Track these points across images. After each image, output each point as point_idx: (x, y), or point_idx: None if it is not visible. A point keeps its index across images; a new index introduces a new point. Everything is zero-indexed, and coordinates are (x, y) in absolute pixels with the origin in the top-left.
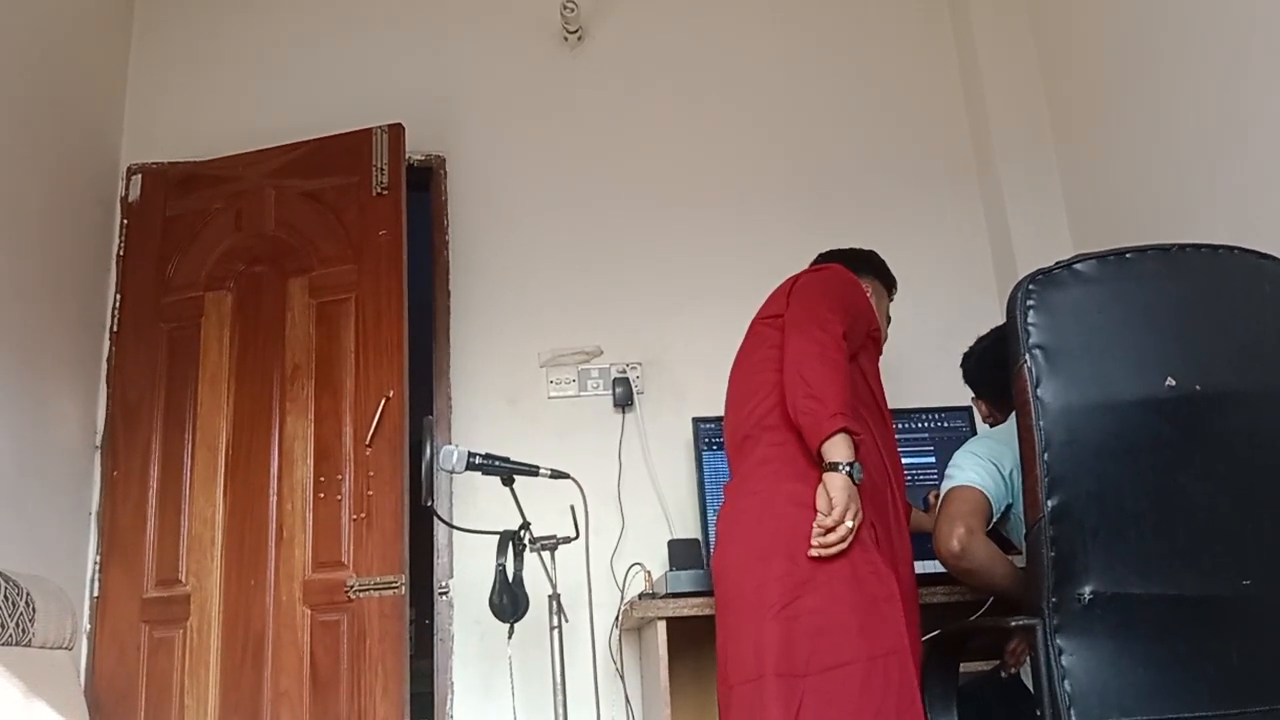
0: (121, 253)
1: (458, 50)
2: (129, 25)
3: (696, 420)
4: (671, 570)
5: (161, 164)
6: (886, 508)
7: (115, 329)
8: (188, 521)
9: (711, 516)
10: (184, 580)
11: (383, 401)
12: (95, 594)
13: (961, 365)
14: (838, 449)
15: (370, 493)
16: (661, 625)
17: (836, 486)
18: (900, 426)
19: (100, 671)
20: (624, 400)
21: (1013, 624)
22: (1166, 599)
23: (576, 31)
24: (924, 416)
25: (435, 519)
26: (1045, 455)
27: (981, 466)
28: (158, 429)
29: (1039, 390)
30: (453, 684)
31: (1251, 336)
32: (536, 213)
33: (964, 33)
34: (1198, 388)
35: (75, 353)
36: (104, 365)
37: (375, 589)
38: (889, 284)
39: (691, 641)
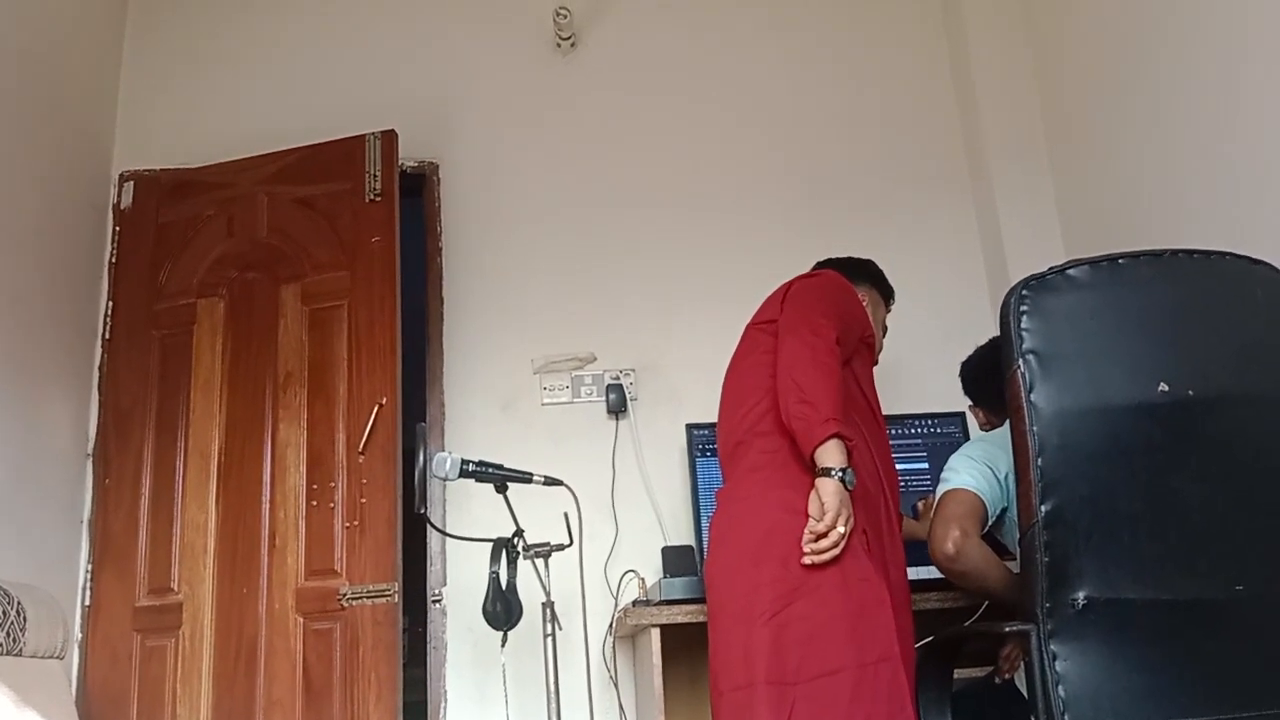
0: (114, 259)
1: (451, 57)
2: (122, 31)
3: (690, 427)
4: (665, 577)
5: (154, 170)
6: (879, 514)
7: (107, 336)
8: (180, 529)
9: (705, 523)
10: (176, 588)
11: (375, 408)
12: (87, 602)
13: (960, 374)
14: (830, 454)
15: (363, 500)
16: (655, 632)
17: (829, 492)
18: (893, 432)
19: (92, 680)
20: (617, 407)
21: (1007, 629)
22: (1160, 603)
23: (570, 38)
24: (917, 422)
25: (428, 526)
26: (1039, 460)
27: (977, 470)
28: (150, 436)
29: (1032, 395)
30: (446, 692)
31: (1244, 341)
32: (530, 219)
33: (958, 38)
34: (1190, 392)
35: (67, 359)
36: (96, 372)
37: (368, 597)
38: (886, 294)
39: (686, 649)
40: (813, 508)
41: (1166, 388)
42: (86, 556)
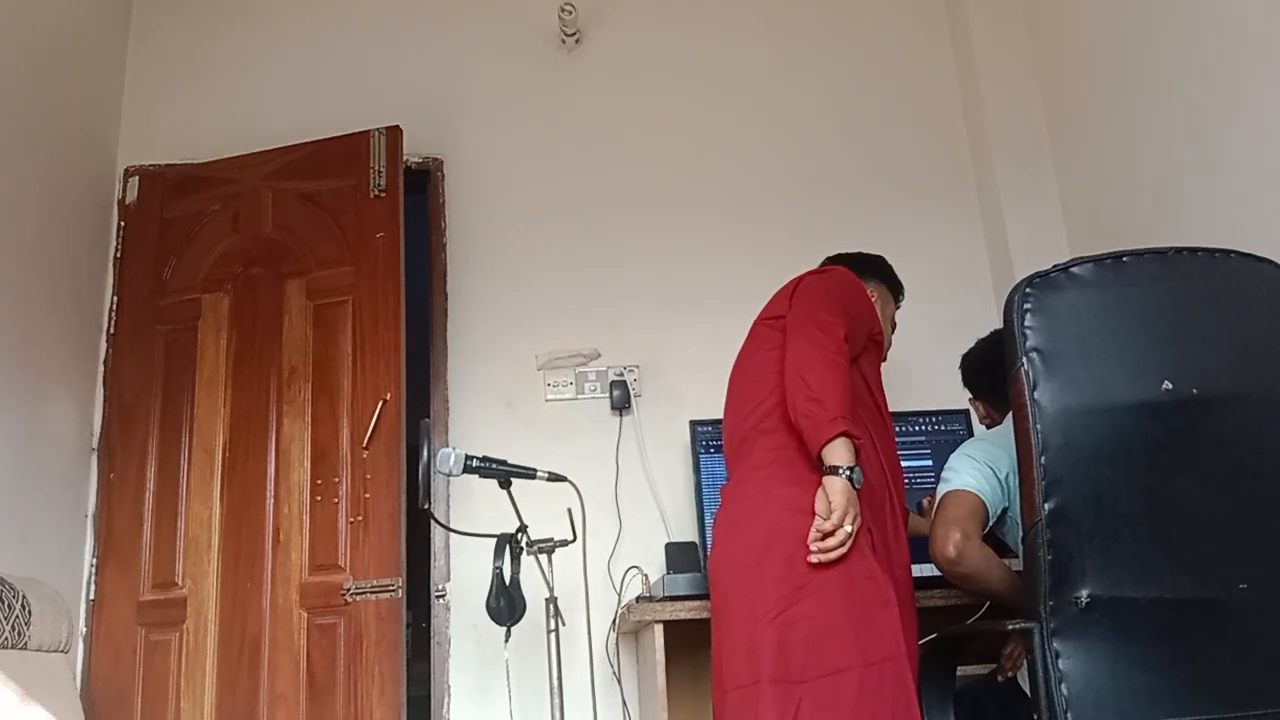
0: (118, 255)
1: (456, 53)
2: (126, 27)
3: (694, 423)
4: (669, 573)
5: (159, 166)
6: (884, 512)
7: (112, 331)
8: (184, 524)
9: (709, 520)
10: (180, 583)
11: (380, 404)
12: (91, 596)
13: (960, 366)
14: (838, 453)
15: (367, 495)
16: (659, 628)
17: (836, 491)
18: (897, 429)
19: (96, 674)
20: (621, 403)
21: (1010, 627)
22: (1163, 602)
23: (574, 35)
24: (921, 419)
25: (432, 522)
26: (1042, 459)
27: (977, 470)
28: (154, 431)
29: (1036, 393)
30: (449, 687)
31: (1248, 339)
32: (534, 216)
33: (961, 39)
34: (1194, 391)
35: (71, 355)
36: (100, 367)
37: (372, 592)
38: (895, 290)
39: (689, 645)
40: (819, 506)
41: (1170, 386)
42: (91, 551)
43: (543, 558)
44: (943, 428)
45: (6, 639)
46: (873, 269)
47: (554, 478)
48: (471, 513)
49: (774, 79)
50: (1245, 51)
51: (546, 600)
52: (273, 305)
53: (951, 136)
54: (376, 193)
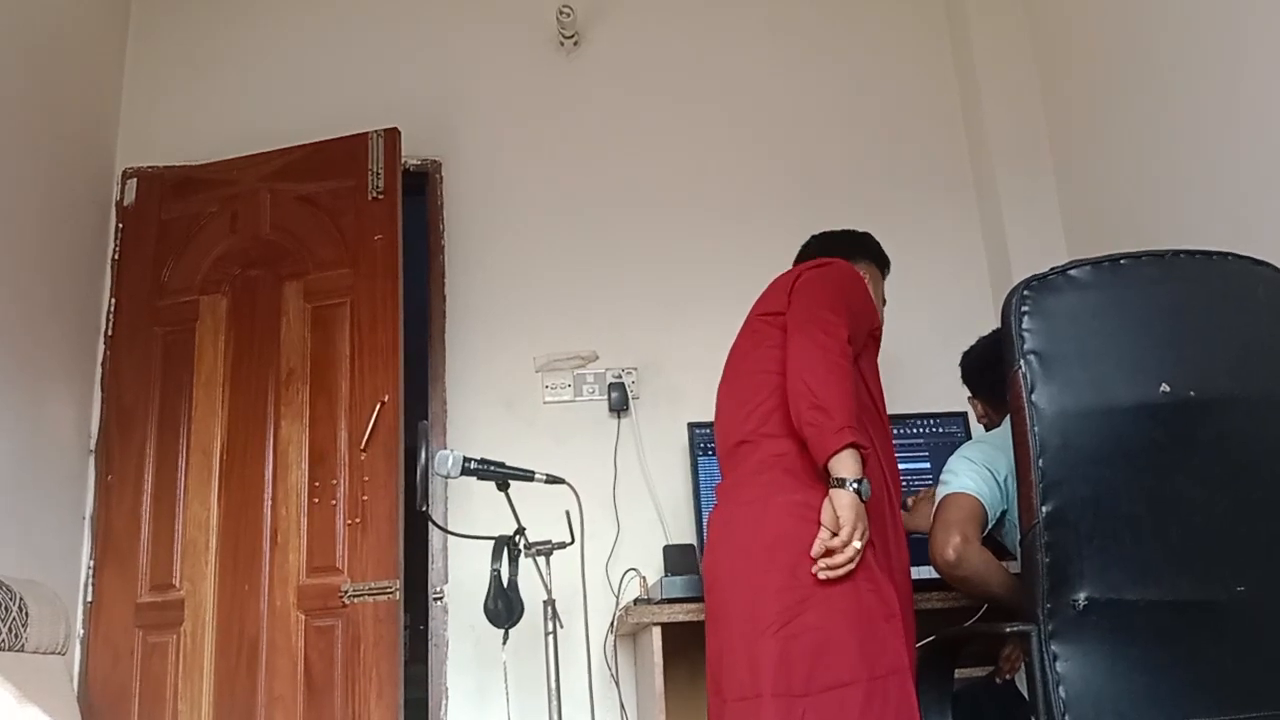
0: (116, 256)
1: (454, 55)
2: (124, 28)
3: (692, 425)
4: (667, 576)
5: (157, 167)
6: (885, 519)
7: (110, 333)
8: (182, 525)
9: (707, 522)
10: (178, 585)
11: (378, 406)
12: (89, 598)
13: (960, 364)
14: (845, 465)
15: (365, 498)
16: (657, 631)
17: (844, 505)
18: (895, 432)
19: (94, 676)
20: (619, 405)
21: (1008, 630)
22: (1162, 604)
23: (573, 36)
24: (919, 422)
25: (430, 524)
26: (1040, 461)
27: (976, 473)
28: (152, 433)
29: (1034, 396)
30: (447, 690)
31: (1246, 341)
32: (532, 217)
33: (961, 40)
34: (1192, 393)
35: (70, 356)
36: (98, 369)
37: (370, 594)
38: (883, 265)
39: (687, 647)
40: (826, 519)
41: (1168, 389)
42: (88, 552)
43: (541, 560)
44: (940, 430)
45: (4, 641)
46: (861, 248)
47: (552, 480)
48: (469, 515)
49: (773, 80)
50: (1246, 54)
51: (544, 602)
52: (271, 307)
53: (951, 138)
54: (375, 194)
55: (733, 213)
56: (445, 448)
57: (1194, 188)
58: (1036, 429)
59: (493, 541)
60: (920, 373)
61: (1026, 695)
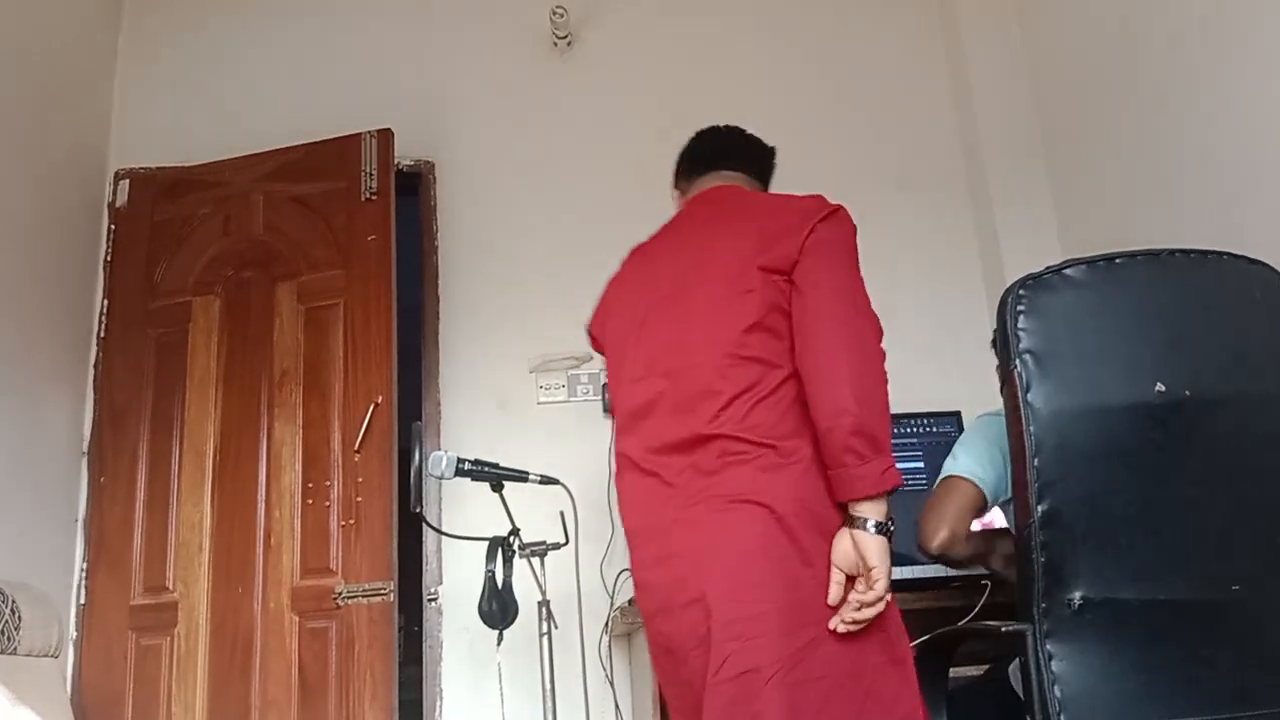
0: (109, 258)
1: (447, 56)
2: (117, 29)
3: None
4: None
5: (149, 169)
6: None
7: (102, 334)
8: (175, 528)
9: None
10: (171, 587)
11: (371, 407)
12: (82, 601)
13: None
14: (880, 507)
15: (359, 499)
16: None
17: (875, 551)
18: None
19: (87, 679)
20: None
21: (1003, 629)
22: (1157, 604)
23: (566, 37)
24: (912, 422)
25: (424, 525)
26: (1035, 460)
27: (983, 455)
28: (145, 434)
29: (1029, 395)
30: (441, 691)
31: (1241, 342)
32: (526, 218)
33: (953, 40)
34: (1187, 393)
35: (62, 357)
36: (91, 370)
37: (364, 596)
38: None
39: None
40: (843, 562)
41: (1164, 388)
42: (81, 555)
43: (535, 561)
44: (934, 430)
45: None
46: (772, 168)
47: (546, 480)
48: (464, 516)
49: (766, 81)
50: (1238, 54)
51: (539, 603)
52: (264, 308)
53: (944, 139)
54: (368, 195)
55: None
56: (439, 448)
57: (1187, 187)
58: (1032, 428)
59: (487, 542)
60: (913, 373)
61: (1021, 695)
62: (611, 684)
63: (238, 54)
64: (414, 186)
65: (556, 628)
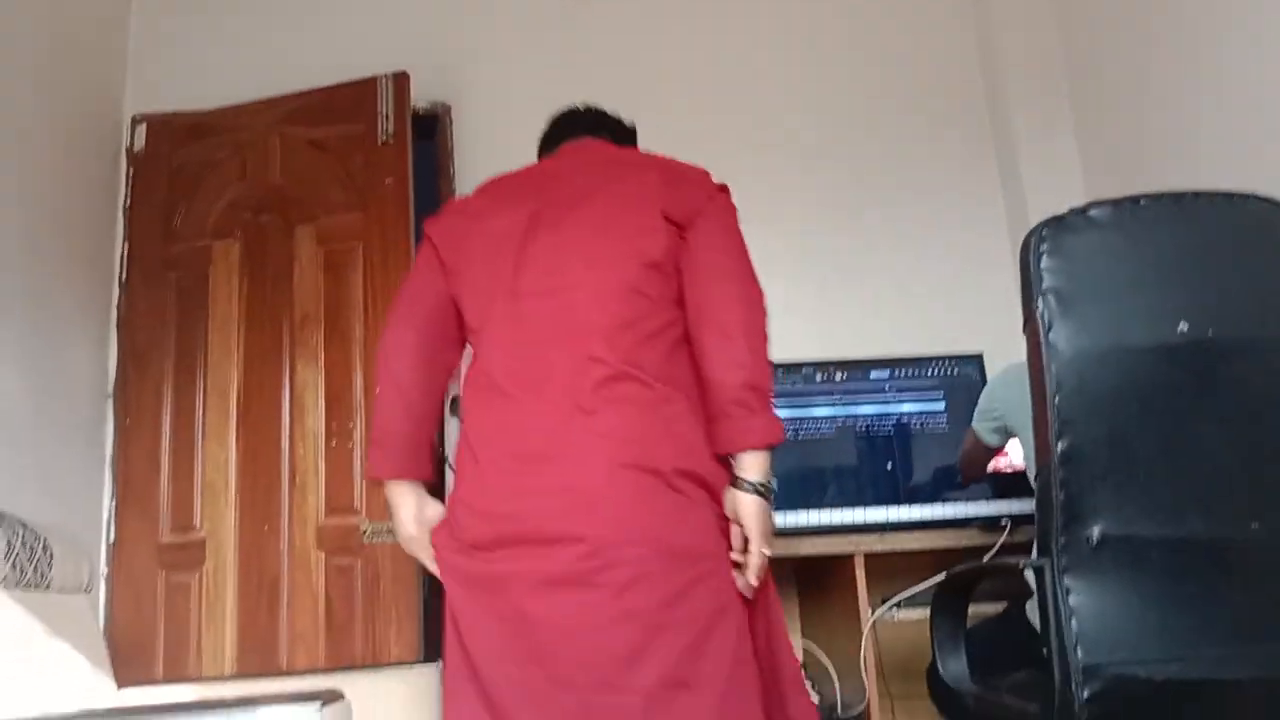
0: (128, 203)
1: None
2: None
3: None
4: None
5: (166, 114)
6: None
7: (124, 278)
8: (201, 467)
9: None
10: (199, 525)
11: None
12: (111, 539)
13: None
14: (762, 464)
15: None
16: None
17: (750, 513)
18: (910, 374)
19: (118, 616)
20: None
21: (1021, 565)
22: (1175, 541)
23: None
24: (934, 364)
25: (446, 466)
26: (1056, 400)
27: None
28: (169, 377)
29: (1051, 335)
30: None
31: (1265, 283)
32: None
33: None
34: (1210, 334)
35: (85, 302)
36: (114, 313)
37: (388, 533)
38: None
39: None
40: (730, 515)
41: (1186, 328)
42: (109, 495)
43: None
44: (955, 372)
45: (30, 580)
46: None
47: None
48: None
49: (787, 14)
50: None
51: None
52: (283, 252)
53: (967, 77)
54: (385, 139)
55: (743, 151)
56: (459, 389)
57: (1215, 127)
58: (1054, 368)
59: None
60: (935, 314)
61: (1039, 630)
62: None
63: None
64: (430, 129)
65: None
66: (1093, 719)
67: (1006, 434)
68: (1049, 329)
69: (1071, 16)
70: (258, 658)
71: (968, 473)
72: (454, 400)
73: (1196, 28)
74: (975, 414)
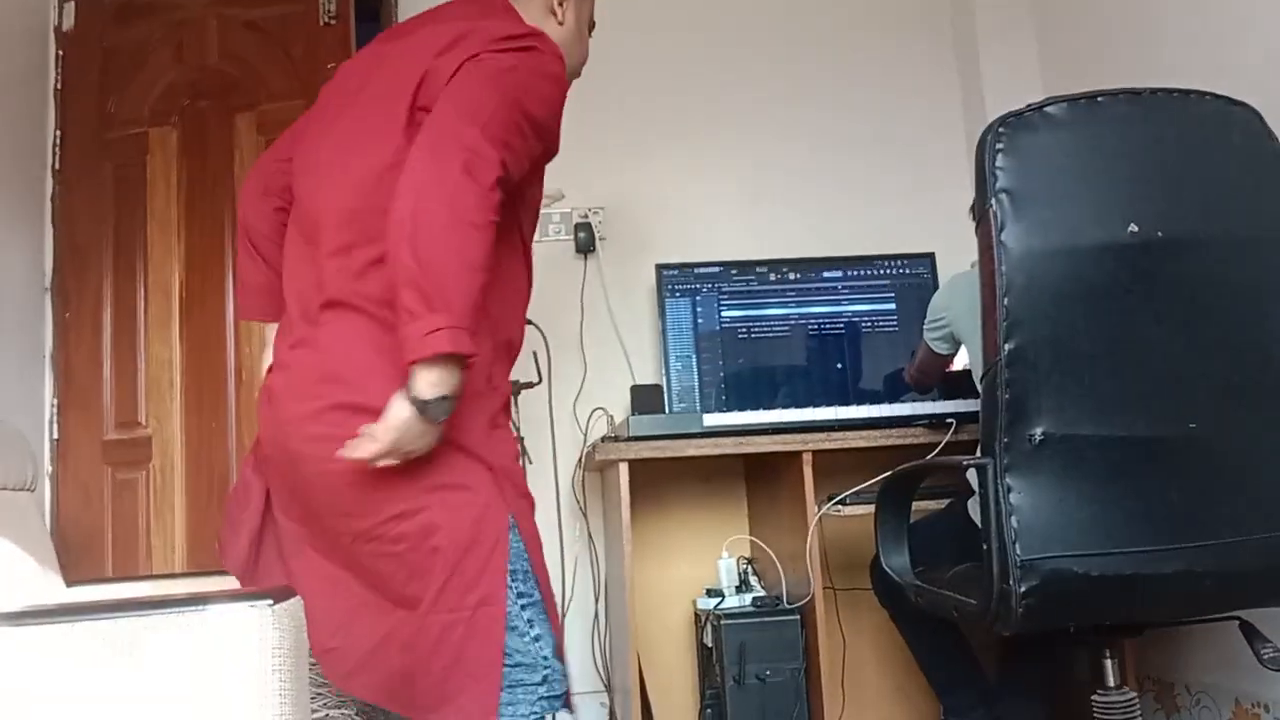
0: (59, 86)
1: None
2: None
3: (660, 267)
4: (634, 414)
5: None
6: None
7: (58, 166)
8: (144, 364)
9: (675, 364)
10: (144, 422)
11: None
12: (55, 436)
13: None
14: (431, 376)
15: None
16: (624, 466)
17: (390, 417)
18: (861, 274)
19: (64, 514)
20: (586, 246)
21: (964, 463)
22: (1115, 440)
23: None
24: (886, 263)
25: None
26: (1005, 300)
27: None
28: (108, 271)
29: (1003, 235)
30: None
31: (1217, 183)
32: None
33: None
34: (1159, 234)
35: (18, 191)
36: (48, 204)
37: None
38: None
39: (651, 482)
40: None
41: (1136, 229)
42: (51, 391)
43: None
44: (907, 272)
45: None
46: None
47: None
48: None
49: None
50: None
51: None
52: (223, 140)
53: None
54: (326, 20)
55: (703, 46)
56: None
57: (1174, 25)
58: (1004, 268)
59: None
60: (888, 214)
61: (980, 525)
62: (584, 514)
63: None
64: (375, 10)
65: (531, 463)
66: (1029, 611)
67: (955, 341)
68: (1001, 229)
69: None
70: (208, 555)
71: (921, 382)
72: None
73: None
74: (924, 325)
